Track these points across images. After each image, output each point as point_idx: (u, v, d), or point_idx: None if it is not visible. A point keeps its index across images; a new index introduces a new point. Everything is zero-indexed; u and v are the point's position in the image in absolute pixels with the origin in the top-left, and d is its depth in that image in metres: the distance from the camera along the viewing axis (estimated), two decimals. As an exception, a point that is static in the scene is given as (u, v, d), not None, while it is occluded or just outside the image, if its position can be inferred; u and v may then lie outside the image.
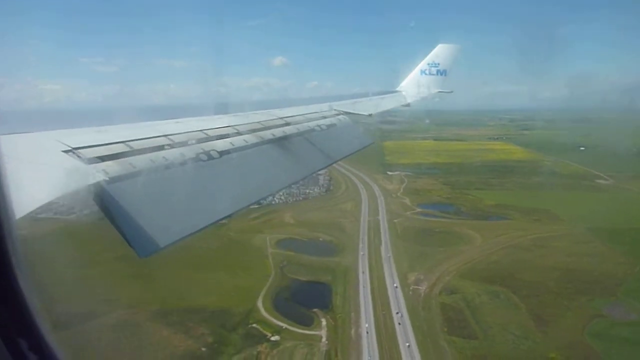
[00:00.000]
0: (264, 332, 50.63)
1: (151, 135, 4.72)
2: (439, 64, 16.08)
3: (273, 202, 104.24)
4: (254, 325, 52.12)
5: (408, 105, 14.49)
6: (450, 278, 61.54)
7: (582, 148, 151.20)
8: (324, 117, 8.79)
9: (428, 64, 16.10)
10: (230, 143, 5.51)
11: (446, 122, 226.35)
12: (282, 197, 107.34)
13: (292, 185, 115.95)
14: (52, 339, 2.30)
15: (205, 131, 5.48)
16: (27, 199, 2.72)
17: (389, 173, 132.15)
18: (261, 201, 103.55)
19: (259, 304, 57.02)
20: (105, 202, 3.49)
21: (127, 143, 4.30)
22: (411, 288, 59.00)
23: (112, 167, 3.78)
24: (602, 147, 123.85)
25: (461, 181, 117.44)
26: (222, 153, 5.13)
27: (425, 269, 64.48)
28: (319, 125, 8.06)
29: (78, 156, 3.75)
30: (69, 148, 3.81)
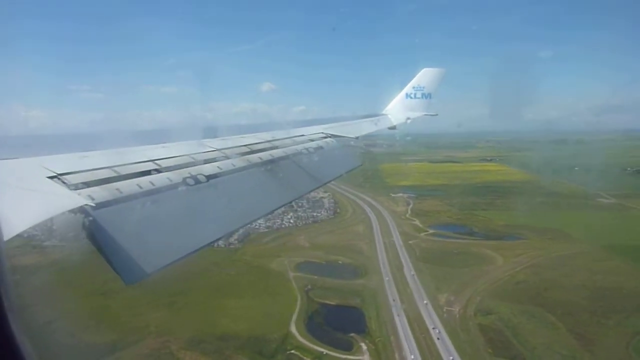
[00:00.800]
0: (305, 358, 49.06)
1: (138, 160, 4.72)
2: (424, 87, 16.38)
3: (283, 226, 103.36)
4: (293, 351, 50.56)
5: (394, 127, 14.64)
6: (482, 298, 61.34)
7: (577, 168, 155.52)
8: (311, 140, 8.81)
9: (413, 88, 16.37)
10: (218, 167, 5.48)
11: (435, 144, 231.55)
12: (292, 221, 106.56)
13: (298, 210, 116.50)
14: None
15: (192, 155, 5.46)
16: (9, 225, 2.64)
17: (392, 195, 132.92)
18: (270, 225, 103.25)
19: (292, 329, 55.50)
20: (91, 228, 3.44)
21: (113, 168, 4.27)
22: (444, 309, 58.51)
23: (98, 193, 3.74)
24: (594, 166, 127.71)
25: (466, 202, 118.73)
26: (209, 177, 5.09)
27: (453, 290, 64.19)
28: (306, 148, 8.08)
29: (63, 182, 3.72)
30: (54, 174, 3.78)
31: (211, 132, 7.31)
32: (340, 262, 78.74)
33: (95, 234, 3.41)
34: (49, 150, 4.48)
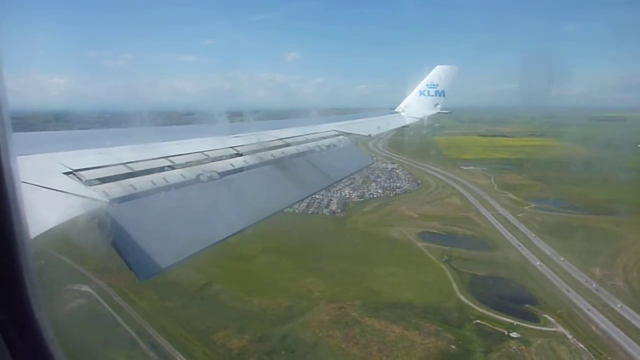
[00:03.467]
0: (496, 328, 48.47)
1: (152, 157, 4.77)
2: (437, 84, 16.32)
3: (373, 196, 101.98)
4: (478, 321, 49.88)
5: (407, 126, 14.68)
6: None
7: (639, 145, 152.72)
8: (324, 138, 8.88)
9: (427, 85, 16.35)
10: (230, 164, 5.60)
11: (467, 119, 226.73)
12: (379, 191, 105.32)
13: (377, 180, 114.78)
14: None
15: (205, 152, 5.55)
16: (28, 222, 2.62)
17: (464, 168, 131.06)
18: (362, 195, 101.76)
19: (462, 298, 54.80)
20: (105, 223, 3.48)
21: (127, 165, 4.32)
22: (607, 283, 57.68)
23: (113, 189, 3.81)
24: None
25: (549, 177, 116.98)
26: (222, 174, 5.19)
27: (602, 264, 63.21)
28: (318, 146, 8.15)
29: (79, 178, 3.78)
30: (70, 170, 3.85)
31: (226, 122, 7.34)
32: (460, 233, 77.75)
33: (110, 230, 3.46)
34: (66, 146, 4.54)
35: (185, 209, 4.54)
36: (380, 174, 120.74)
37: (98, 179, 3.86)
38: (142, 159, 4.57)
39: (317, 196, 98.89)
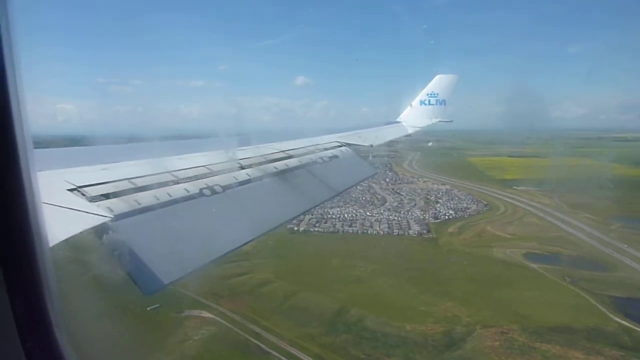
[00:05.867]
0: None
1: (155, 172, 4.77)
2: (437, 94, 16.36)
3: (446, 217, 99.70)
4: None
5: (409, 135, 14.91)
6: None
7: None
8: (326, 149, 8.82)
9: (427, 95, 16.40)
10: (234, 177, 5.57)
11: (479, 140, 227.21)
12: (450, 212, 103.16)
13: (439, 201, 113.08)
14: None
15: (208, 166, 5.53)
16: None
17: (517, 188, 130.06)
18: (436, 215, 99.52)
19: (619, 320, 52.12)
20: (109, 239, 3.49)
21: (131, 180, 4.34)
22: None
23: (117, 205, 3.81)
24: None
25: (611, 195, 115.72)
26: (225, 188, 5.17)
27: None
28: (321, 158, 8.12)
29: (83, 194, 3.80)
30: (74, 186, 3.86)
31: (229, 139, 7.35)
32: (564, 254, 75.49)
33: (114, 246, 3.48)
34: (70, 162, 4.58)
35: (189, 223, 4.49)
36: (439, 195, 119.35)
37: (102, 194, 3.86)
38: (145, 174, 4.55)
39: (392, 217, 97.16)
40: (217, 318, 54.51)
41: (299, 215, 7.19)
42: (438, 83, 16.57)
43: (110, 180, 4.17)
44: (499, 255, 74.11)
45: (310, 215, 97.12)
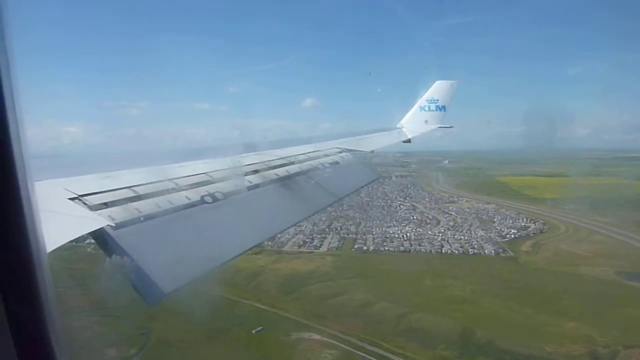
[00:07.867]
0: None
1: (156, 180, 4.70)
2: (437, 100, 16.32)
3: (513, 236, 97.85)
4: None
5: (409, 141, 14.80)
6: None
7: None
8: (327, 156, 8.82)
9: (427, 101, 16.35)
10: (235, 184, 5.54)
11: (496, 160, 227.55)
12: (514, 231, 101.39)
13: (493, 222, 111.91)
14: None
15: (209, 174, 5.48)
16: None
17: (566, 207, 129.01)
18: (500, 234, 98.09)
19: None
20: (111, 248, 3.45)
21: (132, 188, 4.27)
22: None
23: (118, 213, 3.76)
24: None
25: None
26: (226, 195, 5.10)
27: None
28: (322, 164, 8.11)
29: (84, 203, 3.74)
30: (75, 195, 3.80)
31: (232, 149, 7.24)
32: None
33: (116, 254, 3.41)
34: (71, 171, 4.49)
35: (190, 231, 4.44)
36: (490, 214, 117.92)
37: (103, 203, 3.81)
38: (146, 182, 4.50)
39: (458, 236, 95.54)
40: (331, 340, 51.86)
41: (299, 222, 7.22)
42: (438, 89, 16.46)
43: (112, 188, 4.11)
44: (590, 273, 72.10)
45: (372, 235, 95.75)
